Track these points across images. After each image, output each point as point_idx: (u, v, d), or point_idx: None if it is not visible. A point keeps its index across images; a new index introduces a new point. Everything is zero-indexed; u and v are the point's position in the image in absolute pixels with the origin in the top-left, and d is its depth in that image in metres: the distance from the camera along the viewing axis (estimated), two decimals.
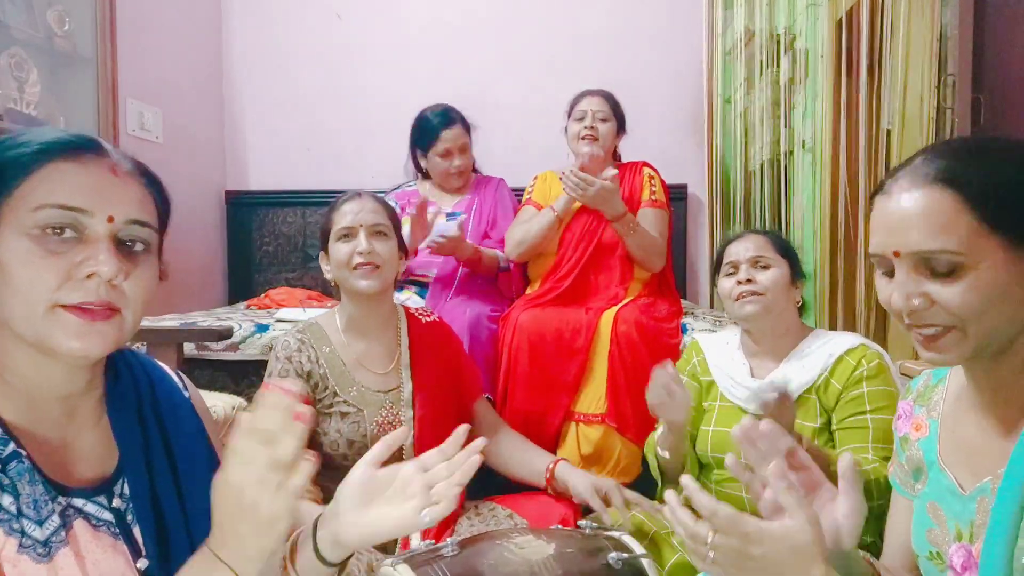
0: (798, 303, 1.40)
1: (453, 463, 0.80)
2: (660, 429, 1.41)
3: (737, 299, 1.37)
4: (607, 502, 1.38)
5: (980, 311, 0.66)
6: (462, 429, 0.84)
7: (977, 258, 0.66)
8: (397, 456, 1.39)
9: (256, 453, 0.61)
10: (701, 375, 1.49)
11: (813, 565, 0.71)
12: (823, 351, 1.34)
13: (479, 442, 0.83)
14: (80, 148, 0.66)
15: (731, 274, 1.40)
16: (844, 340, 1.35)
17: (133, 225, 0.68)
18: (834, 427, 1.30)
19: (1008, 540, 0.65)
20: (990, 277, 0.66)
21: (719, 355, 1.47)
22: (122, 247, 0.67)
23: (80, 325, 0.64)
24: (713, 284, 1.49)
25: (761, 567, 0.73)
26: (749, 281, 1.35)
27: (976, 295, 0.66)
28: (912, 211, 0.68)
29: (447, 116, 2.26)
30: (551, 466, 1.48)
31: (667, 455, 1.39)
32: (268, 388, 0.63)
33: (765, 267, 1.37)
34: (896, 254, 0.70)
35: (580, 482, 1.41)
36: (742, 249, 1.39)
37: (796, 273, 1.39)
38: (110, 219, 0.65)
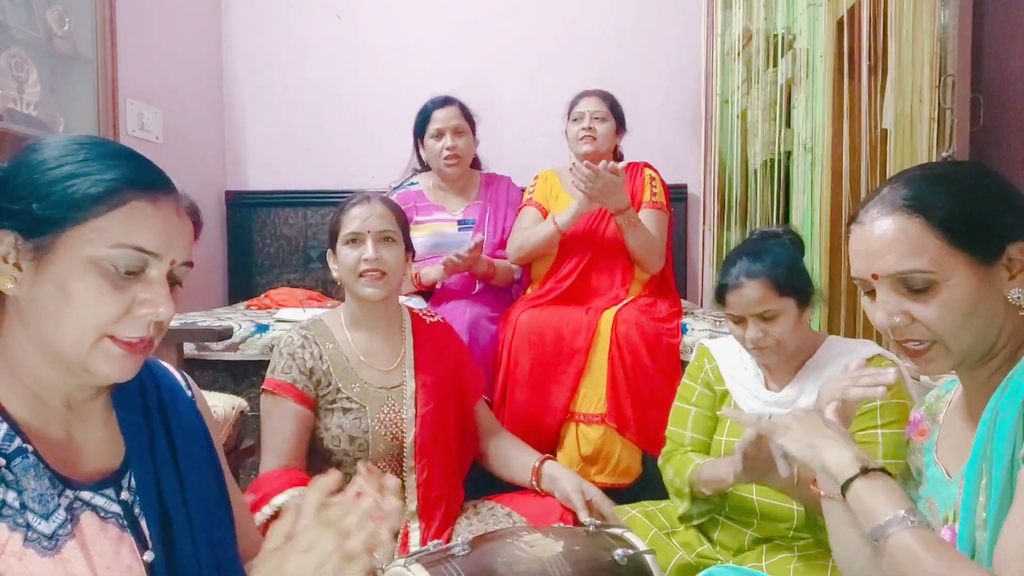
0: (809, 320, 1.33)
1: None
2: (711, 470, 1.32)
3: (752, 350, 1.31)
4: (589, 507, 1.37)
5: (956, 324, 0.74)
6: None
7: (947, 274, 0.74)
8: (399, 454, 1.40)
9: (324, 542, 0.64)
10: (715, 384, 1.44)
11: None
12: (838, 362, 1.29)
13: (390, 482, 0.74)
14: (155, 186, 0.68)
15: (739, 323, 1.32)
16: (859, 350, 1.30)
17: (184, 266, 0.71)
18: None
19: (970, 515, 0.73)
20: (961, 291, 0.74)
21: (732, 364, 1.42)
22: (169, 284, 0.70)
23: (123, 357, 0.67)
24: (718, 306, 1.41)
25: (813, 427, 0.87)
26: (762, 336, 1.28)
27: (950, 309, 0.74)
28: (884, 237, 0.77)
29: (443, 99, 2.23)
30: (537, 464, 1.48)
31: (708, 493, 1.34)
32: (355, 495, 0.67)
33: (772, 318, 1.27)
34: (875, 277, 0.78)
35: (567, 482, 1.41)
36: (744, 303, 1.28)
37: (803, 300, 1.29)
38: (171, 262, 0.69)
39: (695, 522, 1.40)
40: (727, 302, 1.32)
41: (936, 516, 0.82)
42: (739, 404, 1.39)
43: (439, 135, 2.18)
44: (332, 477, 0.70)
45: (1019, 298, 0.74)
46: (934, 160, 1.57)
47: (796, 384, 1.33)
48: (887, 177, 1.69)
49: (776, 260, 1.30)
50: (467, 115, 2.24)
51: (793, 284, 1.29)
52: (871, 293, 0.81)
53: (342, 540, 0.64)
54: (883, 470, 0.80)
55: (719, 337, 1.56)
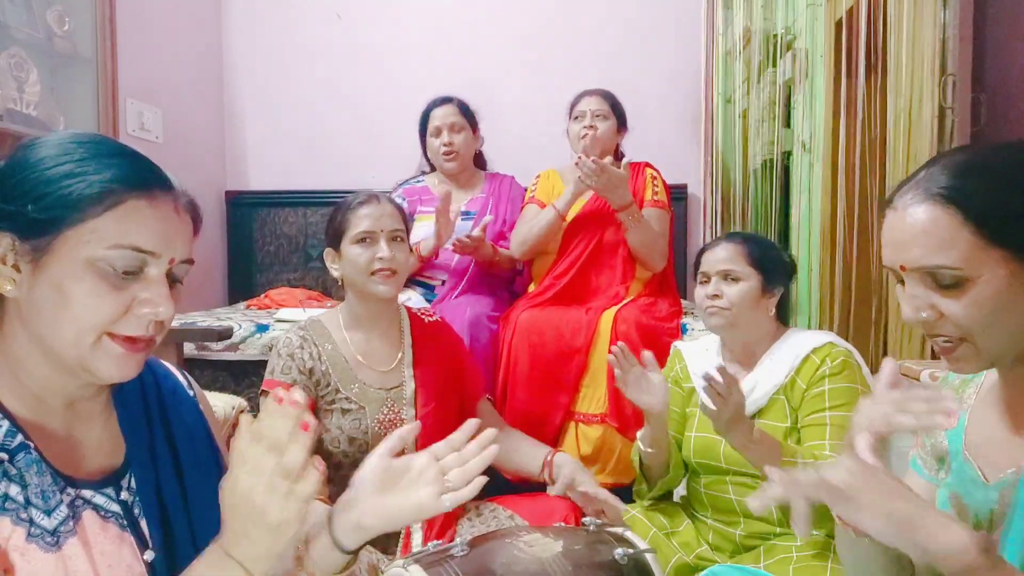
0: (771, 312, 1.39)
1: (464, 453, 0.82)
2: (644, 428, 1.42)
3: (705, 310, 1.39)
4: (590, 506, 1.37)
5: (986, 323, 0.69)
6: (471, 423, 0.85)
7: (978, 271, 0.68)
8: (399, 453, 1.40)
9: (263, 460, 0.62)
10: (683, 382, 1.50)
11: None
12: (791, 351, 1.35)
13: (490, 432, 0.83)
14: (152, 184, 0.67)
15: (703, 283, 1.41)
16: (811, 339, 1.35)
17: (183, 264, 0.70)
18: (799, 425, 1.31)
19: None
20: (993, 289, 0.68)
21: (699, 362, 1.48)
22: (168, 282, 0.69)
23: (123, 356, 0.66)
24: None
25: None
26: (716, 296, 1.37)
27: (980, 308, 0.69)
28: (914, 228, 0.71)
29: (441, 98, 2.31)
30: (549, 457, 1.47)
31: (650, 451, 1.39)
32: (276, 399, 0.64)
33: (734, 280, 1.36)
34: (903, 268, 0.74)
35: (564, 470, 1.40)
36: (714, 260, 1.39)
37: (770, 282, 1.37)
38: (171, 261, 0.68)
39: (645, 502, 1.47)
40: (702, 260, 1.43)
41: (964, 514, 0.78)
42: (703, 400, 1.41)
43: (437, 132, 2.27)
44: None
45: None
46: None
47: (752, 376, 1.37)
48: (886, 177, 1.70)
49: (757, 240, 1.43)
50: (466, 112, 2.30)
51: (764, 261, 1.38)
52: (902, 282, 0.76)
53: (279, 456, 0.62)
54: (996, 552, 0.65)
55: (692, 340, 1.60)
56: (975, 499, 0.77)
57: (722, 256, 1.39)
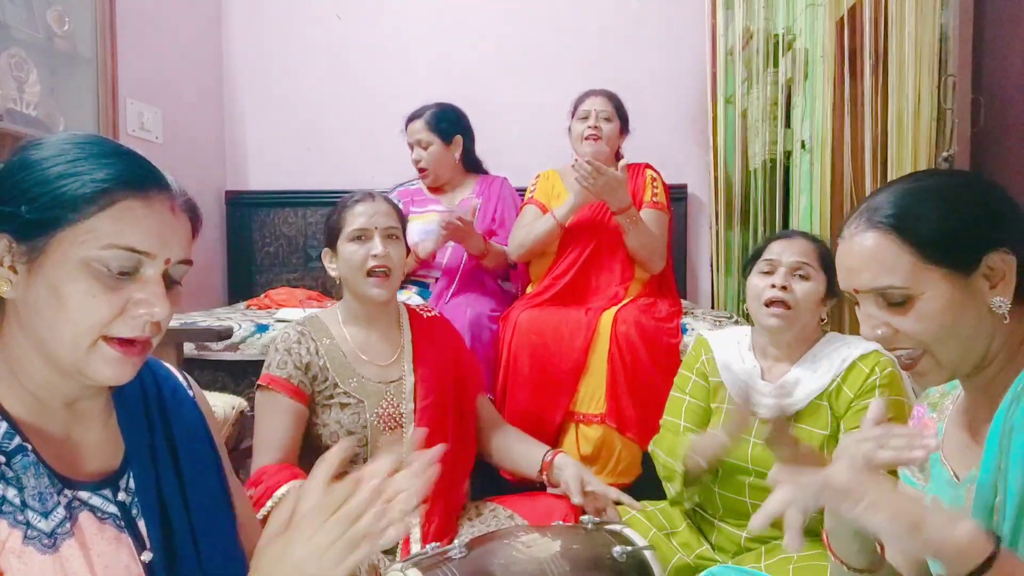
0: (823, 320, 1.35)
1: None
2: (702, 439, 1.32)
3: (766, 304, 1.30)
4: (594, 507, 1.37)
5: (938, 334, 0.76)
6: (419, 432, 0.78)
7: (922, 288, 0.76)
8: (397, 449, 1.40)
9: (328, 528, 0.62)
10: (710, 376, 1.44)
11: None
12: (836, 356, 1.30)
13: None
14: (148, 184, 0.67)
15: (767, 273, 1.32)
16: (856, 346, 1.31)
17: (181, 264, 0.70)
18: (842, 435, 1.27)
19: (983, 520, 0.72)
20: (937, 303, 0.76)
21: (728, 356, 1.42)
22: (166, 283, 0.68)
23: (119, 358, 0.66)
24: (743, 276, 1.42)
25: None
26: (784, 288, 1.28)
27: (929, 320, 0.76)
28: (862, 254, 0.80)
29: (416, 111, 2.33)
30: (548, 457, 1.48)
31: (705, 464, 1.30)
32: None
33: (804, 277, 1.30)
34: (856, 291, 0.82)
35: (568, 471, 1.40)
36: (786, 251, 1.32)
37: (830, 289, 1.32)
38: (167, 261, 0.67)
39: (687, 505, 1.40)
40: (769, 248, 1.35)
41: None
42: (734, 396, 1.39)
43: (411, 147, 2.33)
44: (340, 448, 0.67)
45: (1001, 306, 0.75)
46: (934, 160, 1.57)
47: (792, 376, 1.33)
48: (886, 177, 1.70)
49: (825, 245, 1.38)
50: (435, 126, 2.28)
51: (830, 266, 1.32)
52: (858, 304, 0.84)
53: (348, 524, 0.62)
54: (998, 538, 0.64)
55: (719, 329, 1.56)
56: (949, 498, 0.82)
57: (797, 250, 1.31)
